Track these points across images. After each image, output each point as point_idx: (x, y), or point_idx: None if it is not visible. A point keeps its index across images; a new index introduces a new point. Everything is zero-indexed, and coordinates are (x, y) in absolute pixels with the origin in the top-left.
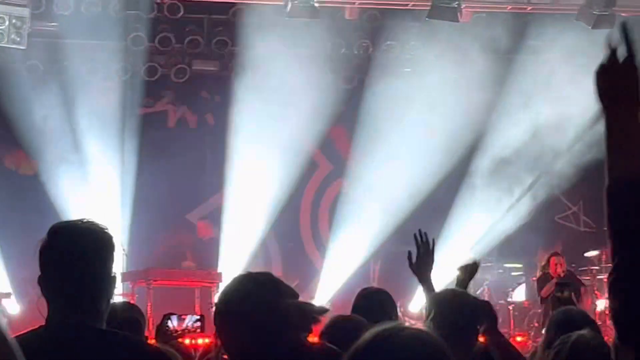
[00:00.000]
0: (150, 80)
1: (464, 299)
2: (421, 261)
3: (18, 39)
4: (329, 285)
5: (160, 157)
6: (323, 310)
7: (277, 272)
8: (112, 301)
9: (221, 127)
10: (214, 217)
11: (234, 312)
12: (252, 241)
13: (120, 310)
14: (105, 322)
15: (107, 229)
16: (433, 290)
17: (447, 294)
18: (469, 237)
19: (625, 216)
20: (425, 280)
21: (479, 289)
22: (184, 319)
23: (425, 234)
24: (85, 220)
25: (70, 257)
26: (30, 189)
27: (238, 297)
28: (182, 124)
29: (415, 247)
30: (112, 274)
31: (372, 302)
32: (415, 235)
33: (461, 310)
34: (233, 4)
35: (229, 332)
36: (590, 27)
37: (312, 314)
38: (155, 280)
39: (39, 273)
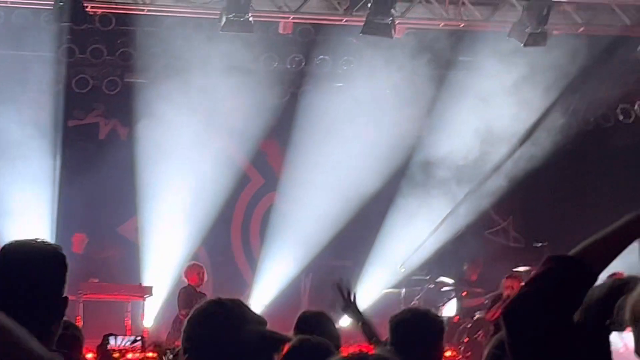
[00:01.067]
0: (81, 92)
1: (421, 319)
2: (346, 310)
3: None
4: (260, 298)
5: (91, 169)
6: (286, 339)
7: (207, 285)
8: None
9: (152, 139)
10: (145, 230)
11: (198, 335)
12: (182, 255)
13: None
14: (55, 344)
15: (60, 248)
16: (362, 319)
17: (405, 316)
18: (400, 252)
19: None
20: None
21: (411, 303)
22: (123, 339)
23: (347, 282)
24: (38, 240)
25: (22, 277)
26: None
27: (204, 320)
28: (112, 136)
29: (339, 293)
30: (64, 295)
31: (312, 326)
32: (338, 285)
33: (421, 333)
34: (166, 17)
35: (193, 353)
36: (522, 45)
37: (275, 342)
38: (85, 294)
39: None
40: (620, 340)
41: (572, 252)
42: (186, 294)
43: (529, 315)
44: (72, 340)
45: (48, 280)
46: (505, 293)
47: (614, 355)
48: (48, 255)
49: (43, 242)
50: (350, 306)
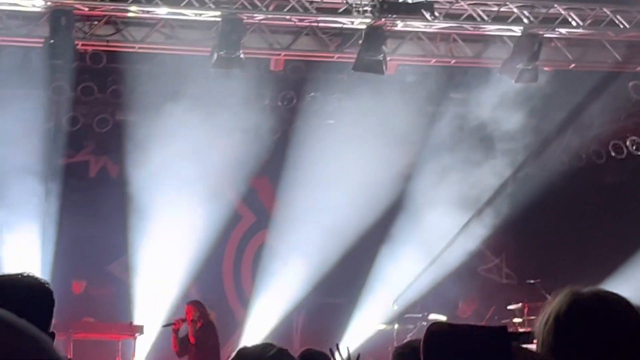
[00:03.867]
0: (72, 130)
1: None
2: None
3: None
4: (252, 337)
5: (81, 207)
6: None
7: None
8: None
9: (143, 177)
10: (136, 268)
11: None
12: (173, 293)
13: None
14: None
15: (47, 283)
16: None
17: (405, 350)
18: (392, 289)
19: None
20: None
21: (404, 340)
22: None
23: (347, 349)
24: (25, 274)
25: (10, 311)
26: None
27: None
28: (103, 174)
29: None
30: (51, 331)
31: None
32: (331, 350)
33: None
34: (157, 54)
35: None
36: (513, 81)
37: None
38: (76, 333)
39: None
40: None
41: None
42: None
43: None
44: None
45: (34, 315)
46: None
47: None
48: (34, 289)
49: (30, 276)
50: None
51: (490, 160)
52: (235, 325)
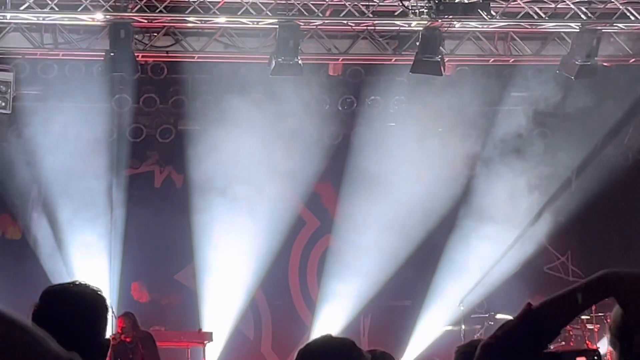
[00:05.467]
0: (136, 141)
1: None
2: None
3: (3, 104)
4: None
5: (147, 218)
6: None
7: (266, 329)
8: None
9: (207, 185)
10: (203, 276)
11: None
12: (240, 300)
13: None
14: None
15: (100, 291)
16: None
17: (468, 349)
18: (458, 290)
19: None
20: None
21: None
22: None
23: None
24: (77, 283)
25: (63, 321)
26: (17, 253)
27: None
28: (168, 184)
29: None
30: (105, 338)
31: None
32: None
33: None
34: (216, 63)
35: None
36: (573, 78)
37: None
38: None
39: None
40: None
41: (535, 306)
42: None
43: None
44: None
45: (87, 323)
46: None
47: None
48: (87, 298)
49: (83, 284)
50: None
51: (552, 157)
52: (303, 329)
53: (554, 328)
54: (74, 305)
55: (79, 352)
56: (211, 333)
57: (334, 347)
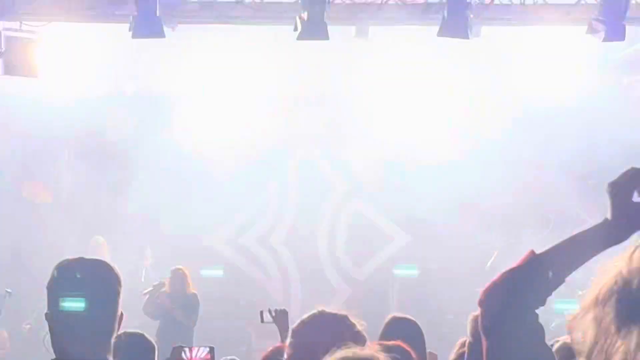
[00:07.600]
0: None
1: None
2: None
3: None
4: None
5: None
6: None
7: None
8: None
9: None
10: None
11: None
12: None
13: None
14: (112, 356)
15: (114, 266)
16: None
17: None
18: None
19: None
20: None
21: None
22: (192, 350)
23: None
24: (91, 258)
25: (79, 293)
26: None
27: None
28: None
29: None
30: (119, 310)
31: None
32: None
33: None
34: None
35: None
36: (600, 41)
37: None
38: None
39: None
40: None
41: (540, 252)
42: None
43: (495, 303)
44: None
45: (102, 295)
46: None
47: None
48: (102, 271)
49: (97, 259)
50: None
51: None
52: (332, 298)
53: (560, 275)
54: (89, 278)
55: (94, 321)
56: None
57: (327, 321)
